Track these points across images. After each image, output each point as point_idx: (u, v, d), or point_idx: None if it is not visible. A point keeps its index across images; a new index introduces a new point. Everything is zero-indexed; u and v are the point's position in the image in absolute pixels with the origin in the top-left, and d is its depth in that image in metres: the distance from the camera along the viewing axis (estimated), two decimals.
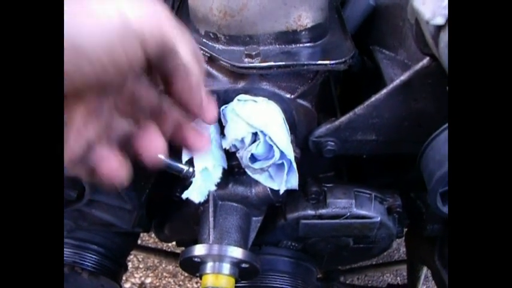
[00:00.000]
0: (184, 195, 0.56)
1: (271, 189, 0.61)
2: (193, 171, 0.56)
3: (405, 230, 0.87)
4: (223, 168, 0.58)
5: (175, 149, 0.53)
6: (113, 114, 0.37)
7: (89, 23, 0.27)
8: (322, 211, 0.69)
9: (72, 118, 0.33)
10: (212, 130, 0.58)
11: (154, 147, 0.37)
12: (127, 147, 0.38)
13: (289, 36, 0.55)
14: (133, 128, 0.38)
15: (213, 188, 0.57)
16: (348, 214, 0.68)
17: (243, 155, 0.54)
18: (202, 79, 0.36)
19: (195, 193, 0.57)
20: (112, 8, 0.28)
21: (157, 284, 1.53)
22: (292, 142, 0.56)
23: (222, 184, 0.59)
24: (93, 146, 0.36)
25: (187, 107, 0.38)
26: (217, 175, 0.57)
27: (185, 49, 0.32)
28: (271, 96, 0.57)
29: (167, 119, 0.40)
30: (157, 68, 0.32)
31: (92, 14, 0.27)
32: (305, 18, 0.55)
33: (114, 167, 0.35)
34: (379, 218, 0.69)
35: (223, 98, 0.57)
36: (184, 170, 0.55)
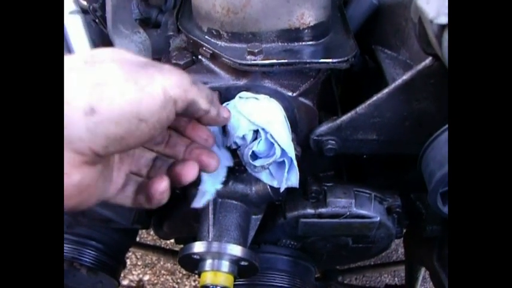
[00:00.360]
0: (192, 206, 0.58)
1: (271, 187, 0.61)
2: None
3: (404, 230, 0.87)
4: (228, 167, 0.58)
5: None
6: (135, 149, 0.48)
7: (145, 100, 0.37)
8: (322, 210, 0.69)
9: (112, 161, 0.44)
10: (215, 128, 0.58)
11: (191, 175, 0.48)
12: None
13: (292, 34, 0.55)
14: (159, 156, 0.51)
15: (219, 186, 0.58)
16: (348, 213, 0.68)
17: (244, 152, 0.54)
18: (219, 110, 0.47)
19: (202, 193, 0.57)
20: (158, 85, 0.38)
21: (155, 281, 1.53)
22: (293, 140, 0.56)
23: (224, 183, 0.59)
24: (131, 177, 0.48)
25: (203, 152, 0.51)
26: (222, 174, 0.57)
27: (203, 99, 0.43)
28: (273, 93, 0.57)
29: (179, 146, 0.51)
30: (184, 114, 0.43)
31: (147, 91, 0.37)
32: (308, 16, 0.55)
33: (161, 189, 0.45)
34: (378, 218, 0.69)
35: (225, 95, 0.57)
36: None
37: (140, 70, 0.38)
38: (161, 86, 0.38)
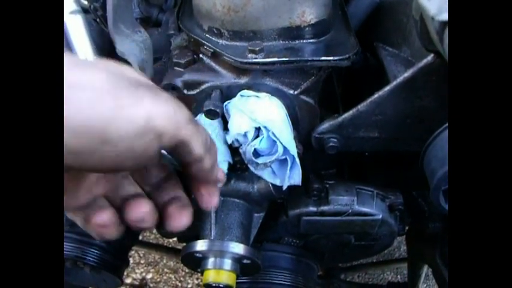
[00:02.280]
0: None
1: (273, 185, 0.61)
2: None
3: (406, 228, 0.87)
4: (229, 163, 0.58)
5: None
6: (124, 179, 0.42)
7: (119, 121, 0.31)
8: (324, 208, 0.69)
9: (85, 175, 0.38)
10: (216, 125, 0.58)
11: (181, 224, 0.43)
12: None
13: (293, 32, 0.55)
14: (139, 192, 0.42)
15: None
16: (350, 211, 0.68)
17: (246, 150, 0.54)
18: (214, 163, 0.40)
19: None
20: (142, 110, 0.32)
21: (158, 279, 1.53)
22: (295, 138, 0.56)
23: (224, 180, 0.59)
24: (97, 200, 0.40)
25: (201, 183, 0.42)
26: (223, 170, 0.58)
27: (197, 143, 0.36)
28: (274, 92, 0.57)
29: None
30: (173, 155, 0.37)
31: (125, 112, 0.31)
32: (309, 14, 0.54)
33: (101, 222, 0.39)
34: (380, 216, 0.69)
35: (226, 94, 0.57)
36: None
37: (130, 88, 0.33)
38: (145, 112, 0.32)
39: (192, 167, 0.38)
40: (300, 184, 0.59)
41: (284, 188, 0.58)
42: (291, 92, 0.57)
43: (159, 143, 0.34)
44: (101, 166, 0.33)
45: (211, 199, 0.43)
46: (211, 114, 0.55)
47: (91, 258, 0.80)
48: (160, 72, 0.62)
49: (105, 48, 0.63)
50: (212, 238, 0.60)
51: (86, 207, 0.39)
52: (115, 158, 0.32)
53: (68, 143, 0.31)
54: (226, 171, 0.58)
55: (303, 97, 0.58)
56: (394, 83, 0.54)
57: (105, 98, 0.31)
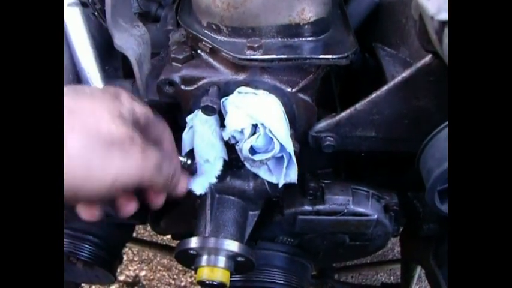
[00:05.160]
0: (196, 189, 0.58)
1: (269, 183, 0.61)
2: (193, 163, 0.57)
3: (401, 229, 0.87)
4: (224, 160, 0.58)
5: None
6: None
7: (89, 184, 0.39)
8: (320, 207, 0.69)
9: None
10: (213, 122, 0.58)
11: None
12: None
13: (292, 30, 0.55)
14: None
15: (214, 180, 0.58)
16: (345, 211, 0.68)
17: (243, 147, 0.54)
18: (174, 189, 0.52)
19: (197, 185, 0.57)
20: (110, 173, 0.40)
21: (152, 277, 1.53)
22: (291, 136, 0.56)
23: (220, 177, 0.59)
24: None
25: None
26: (218, 167, 0.57)
27: (158, 186, 0.47)
28: (272, 89, 0.56)
29: None
30: None
31: (93, 177, 0.39)
32: (308, 12, 0.54)
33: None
34: (375, 216, 0.69)
35: (224, 90, 0.57)
36: (183, 162, 0.57)
37: (101, 150, 0.39)
38: (113, 174, 0.39)
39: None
40: (296, 182, 0.58)
41: (280, 185, 0.58)
42: (289, 89, 0.57)
43: (123, 187, 0.41)
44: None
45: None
46: (208, 110, 0.54)
47: (84, 254, 0.80)
48: (158, 67, 0.61)
49: (103, 42, 0.63)
50: (207, 235, 0.60)
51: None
52: (83, 199, 0.41)
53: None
54: (221, 168, 0.58)
55: (301, 95, 0.57)
56: (392, 83, 0.54)
57: (76, 167, 0.37)
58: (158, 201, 0.53)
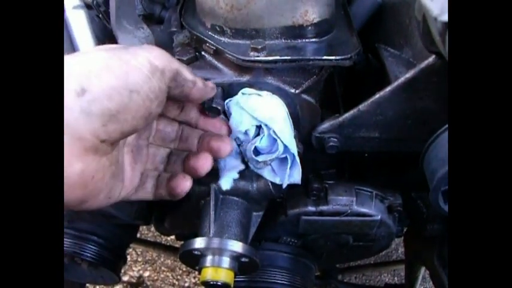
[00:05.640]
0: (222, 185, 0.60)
1: (273, 184, 0.61)
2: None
3: (404, 229, 0.87)
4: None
5: None
6: (149, 148, 0.52)
7: (134, 72, 0.39)
8: (323, 208, 0.69)
9: (123, 160, 0.46)
10: None
11: (205, 167, 0.51)
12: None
13: (295, 31, 0.55)
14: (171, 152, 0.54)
15: (237, 176, 0.59)
16: (349, 211, 0.68)
17: (247, 148, 0.54)
18: (204, 82, 0.48)
19: (225, 182, 0.59)
20: (143, 59, 0.40)
21: (156, 277, 1.53)
22: (295, 137, 0.56)
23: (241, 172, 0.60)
24: (148, 174, 0.51)
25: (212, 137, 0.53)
26: (238, 163, 0.59)
27: (186, 70, 0.45)
28: (276, 90, 0.57)
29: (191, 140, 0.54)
30: (174, 92, 0.44)
31: (132, 64, 0.39)
32: (311, 13, 0.55)
33: (186, 188, 0.50)
34: (379, 216, 0.69)
35: (228, 91, 0.57)
36: None
37: (122, 50, 0.40)
38: (145, 58, 0.40)
39: (192, 94, 0.46)
40: (300, 183, 0.59)
41: (284, 186, 0.58)
42: (293, 90, 0.57)
43: (164, 78, 0.41)
44: (138, 115, 0.39)
45: (222, 145, 0.52)
46: (212, 112, 0.55)
47: (89, 254, 0.80)
48: None
49: (108, 44, 0.63)
50: (211, 236, 0.60)
51: (142, 185, 0.50)
52: (144, 103, 0.39)
53: (105, 107, 0.36)
54: (242, 163, 0.60)
55: (304, 96, 0.58)
56: (396, 83, 0.54)
57: (112, 62, 0.38)
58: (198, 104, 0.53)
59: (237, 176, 0.59)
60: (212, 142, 0.52)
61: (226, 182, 0.59)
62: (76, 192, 0.37)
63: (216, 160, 0.57)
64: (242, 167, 0.59)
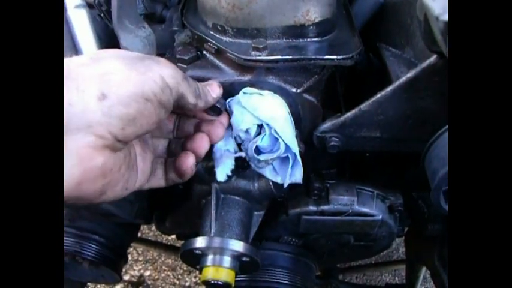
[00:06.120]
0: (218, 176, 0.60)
1: (274, 184, 0.61)
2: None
3: (405, 229, 0.87)
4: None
5: None
6: (152, 140, 0.55)
7: (149, 83, 0.42)
8: (324, 207, 0.69)
9: (135, 152, 0.49)
10: None
11: (202, 147, 0.54)
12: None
13: (297, 31, 0.55)
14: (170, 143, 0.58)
15: (232, 166, 0.60)
16: (350, 211, 0.68)
17: (248, 147, 0.54)
18: (206, 102, 0.52)
19: (220, 173, 0.60)
20: (157, 74, 0.43)
21: (156, 277, 1.53)
22: (296, 136, 0.56)
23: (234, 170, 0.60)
24: (156, 162, 0.54)
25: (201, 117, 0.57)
26: (232, 159, 0.60)
27: (191, 94, 0.48)
28: (277, 89, 0.57)
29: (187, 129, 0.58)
30: (178, 106, 0.48)
31: (148, 76, 0.43)
32: (313, 13, 0.55)
33: (191, 164, 0.53)
34: (380, 216, 0.69)
35: (229, 91, 0.57)
36: None
37: (139, 62, 0.44)
38: (159, 73, 0.44)
39: (192, 112, 0.53)
40: (301, 182, 0.59)
41: (285, 185, 0.58)
42: (294, 90, 0.57)
43: (172, 95, 0.45)
44: (151, 121, 0.43)
45: (216, 129, 0.54)
46: (213, 111, 0.55)
47: (90, 253, 0.80)
48: None
49: (109, 43, 0.63)
50: (212, 235, 0.60)
51: (153, 173, 0.53)
52: (156, 111, 0.43)
53: (124, 113, 0.40)
54: (233, 161, 0.61)
55: (306, 95, 0.58)
56: (397, 83, 0.54)
57: (130, 72, 0.42)
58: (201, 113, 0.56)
59: (232, 166, 0.60)
60: (203, 127, 0.55)
61: (221, 173, 0.59)
62: (97, 184, 0.41)
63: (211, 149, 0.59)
64: (238, 155, 0.59)
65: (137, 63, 0.43)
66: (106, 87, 0.40)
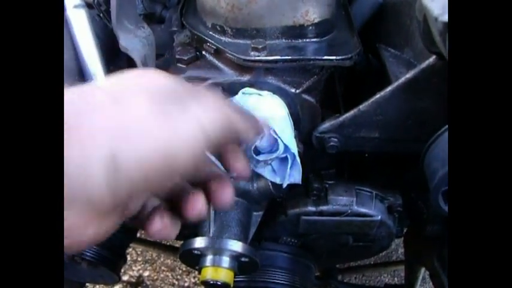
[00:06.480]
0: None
1: (273, 184, 0.61)
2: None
3: (404, 230, 0.87)
4: None
5: None
6: None
7: (177, 141, 0.31)
8: (323, 208, 0.69)
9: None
10: None
11: (198, 209, 0.40)
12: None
13: (296, 31, 0.55)
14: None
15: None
16: (349, 211, 0.68)
17: (247, 147, 0.54)
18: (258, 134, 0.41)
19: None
20: (193, 124, 0.32)
21: (155, 277, 1.53)
22: (295, 137, 0.56)
23: None
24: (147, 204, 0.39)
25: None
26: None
27: (248, 133, 0.38)
28: (276, 90, 0.57)
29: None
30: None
31: (180, 133, 0.31)
32: (312, 13, 0.55)
33: (159, 228, 0.39)
34: (379, 217, 0.69)
35: (228, 91, 0.57)
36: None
37: (170, 105, 0.32)
38: (197, 124, 0.32)
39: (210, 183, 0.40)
40: (300, 183, 0.59)
41: (284, 186, 0.58)
42: (293, 90, 0.57)
43: (210, 144, 0.33)
44: (161, 188, 0.34)
45: (226, 194, 0.42)
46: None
47: (88, 253, 0.80)
48: (163, 68, 0.62)
49: (108, 43, 0.63)
50: (211, 235, 0.60)
51: (138, 215, 0.39)
52: (183, 175, 0.35)
53: (134, 182, 0.30)
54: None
55: (305, 96, 0.58)
56: (396, 83, 0.54)
57: (156, 123, 0.31)
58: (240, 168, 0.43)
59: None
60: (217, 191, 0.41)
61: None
62: (81, 247, 0.34)
63: None
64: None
65: (167, 106, 0.32)
66: (118, 147, 0.29)
